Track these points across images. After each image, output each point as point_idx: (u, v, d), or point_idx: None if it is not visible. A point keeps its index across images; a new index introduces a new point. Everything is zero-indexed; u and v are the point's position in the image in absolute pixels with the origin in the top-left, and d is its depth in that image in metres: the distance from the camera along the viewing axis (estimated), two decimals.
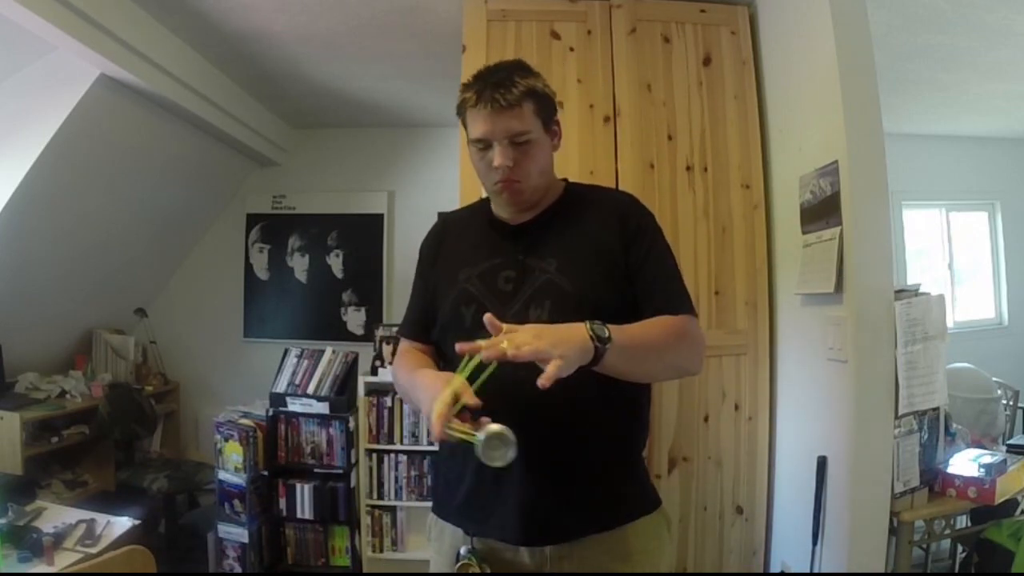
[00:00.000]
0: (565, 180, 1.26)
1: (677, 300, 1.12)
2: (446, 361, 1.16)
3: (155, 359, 3.90)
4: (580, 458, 1.08)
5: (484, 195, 1.26)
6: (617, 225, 1.14)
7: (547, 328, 0.94)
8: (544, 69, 2.15)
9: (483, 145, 1.11)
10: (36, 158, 2.49)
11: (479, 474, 1.10)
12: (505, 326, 0.92)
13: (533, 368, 1.03)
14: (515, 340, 0.89)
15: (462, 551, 1.10)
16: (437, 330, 1.19)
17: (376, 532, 2.95)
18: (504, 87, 1.08)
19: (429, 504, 1.24)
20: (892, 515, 1.75)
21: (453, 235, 1.27)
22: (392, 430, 2.91)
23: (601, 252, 1.13)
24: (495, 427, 0.90)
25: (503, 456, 0.90)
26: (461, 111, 1.14)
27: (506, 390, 1.08)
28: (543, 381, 0.86)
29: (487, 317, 0.92)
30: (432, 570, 1.20)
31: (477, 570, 1.07)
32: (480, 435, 0.90)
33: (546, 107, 1.14)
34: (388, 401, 2.91)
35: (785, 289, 2.13)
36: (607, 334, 0.93)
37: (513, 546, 1.08)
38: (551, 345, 0.88)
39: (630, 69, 2.21)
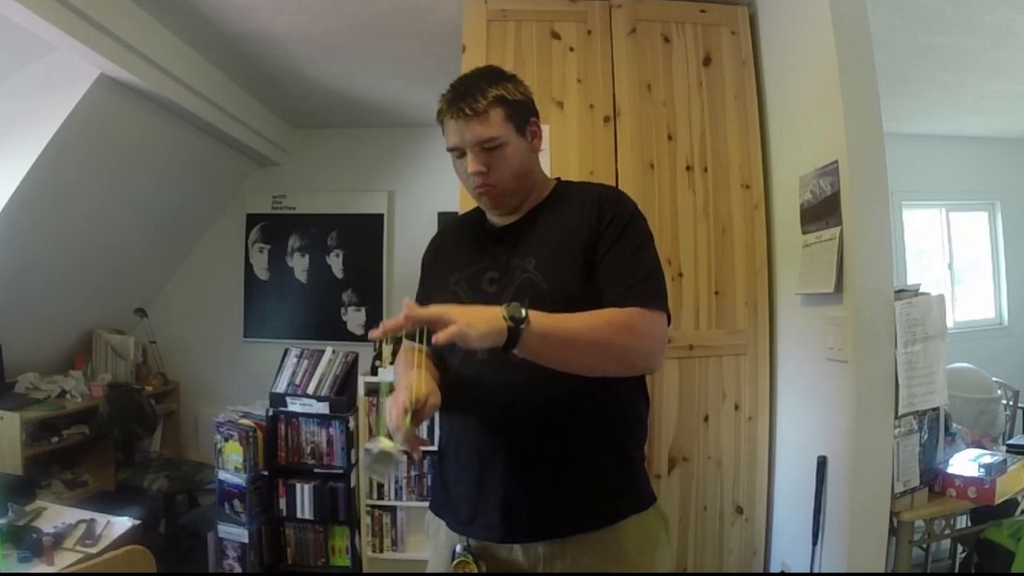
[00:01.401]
0: (558, 179, 1.27)
1: (634, 293, 1.06)
2: (442, 360, 1.18)
3: (155, 359, 3.90)
4: (565, 456, 1.08)
5: None
6: (595, 217, 1.14)
7: (470, 308, 0.96)
8: (544, 69, 2.20)
9: (458, 153, 1.14)
10: (36, 158, 2.49)
11: (467, 473, 1.11)
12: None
13: (515, 367, 1.03)
14: (449, 314, 0.92)
15: (458, 548, 1.10)
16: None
17: (376, 532, 2.94)
18: (471, 96, 1.10)
19: (428, 503, 1.25)
20: (892, 515, 1.75)
21: (449, 242, 1.30)
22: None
23: (578, 245, 1.12)
24: (387, 445, 0.96)
25: (382, 473, 0.98)
26: (439, 121, 1.17)
27: (488, 387, 1.09)
28: (436, 338, 0.90)
29: (405, 302, 0.95)
30: (429, 566, 1.21)
31: (474, 568, 1.08)
32: (372, 448, 0.97)
33: (518, 112, 1.14)
34: (388, 401, 2.90)
35: (785, 289, 2.13)
36: (523, 315, 0.92)
37: (507, 544, 1.09)
38: (464, 322, 0.91)
39: (630, 69, 2.21)
